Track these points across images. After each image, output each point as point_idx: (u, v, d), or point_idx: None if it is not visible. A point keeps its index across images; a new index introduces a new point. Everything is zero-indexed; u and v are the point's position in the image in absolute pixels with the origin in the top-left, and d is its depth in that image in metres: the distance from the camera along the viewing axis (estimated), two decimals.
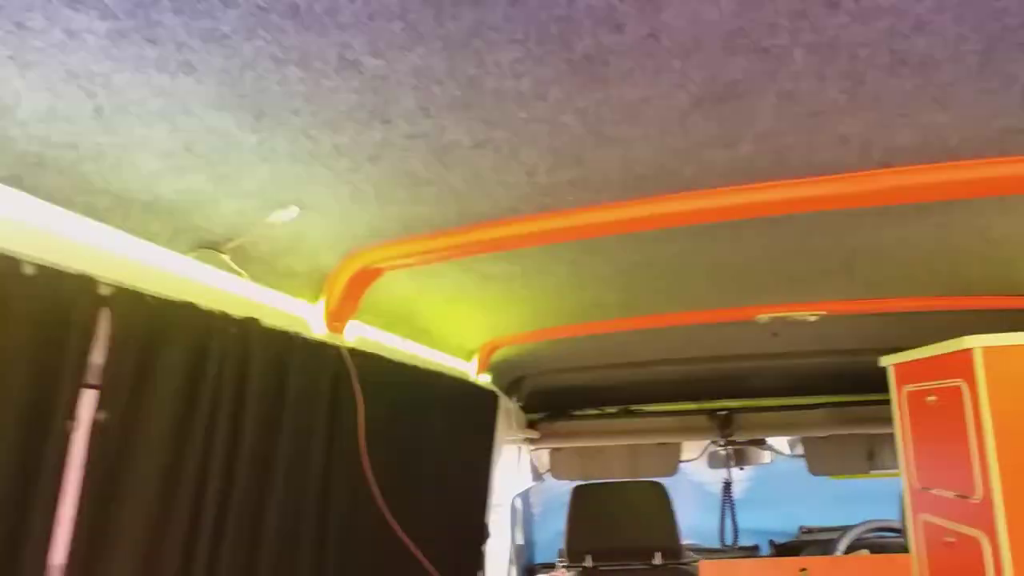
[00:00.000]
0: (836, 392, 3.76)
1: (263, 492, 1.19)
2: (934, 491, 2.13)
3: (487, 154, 1.08)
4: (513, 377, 3.34)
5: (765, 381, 3.67)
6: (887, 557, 2.37)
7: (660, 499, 2.84)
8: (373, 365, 1.65)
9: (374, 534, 1.57)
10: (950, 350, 1.89)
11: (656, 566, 2.77)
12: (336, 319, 1.40)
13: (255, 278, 1.28)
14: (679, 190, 1.24)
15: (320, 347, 1.41)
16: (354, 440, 1.41)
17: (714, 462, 4.19)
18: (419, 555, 1.71)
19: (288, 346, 1.30)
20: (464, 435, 2.35)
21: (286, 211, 1.19)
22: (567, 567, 2.93)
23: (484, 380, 2.74)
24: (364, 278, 1.45)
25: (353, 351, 1.51)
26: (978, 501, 1.82)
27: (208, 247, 1.21)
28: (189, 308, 1.06)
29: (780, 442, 4.46)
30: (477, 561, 2.58)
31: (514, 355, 2.91)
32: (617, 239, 1.50)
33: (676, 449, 4.32)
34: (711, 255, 1.72)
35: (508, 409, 3.21)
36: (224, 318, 1.13)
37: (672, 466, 4.31)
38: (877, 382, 2.36)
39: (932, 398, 2.08)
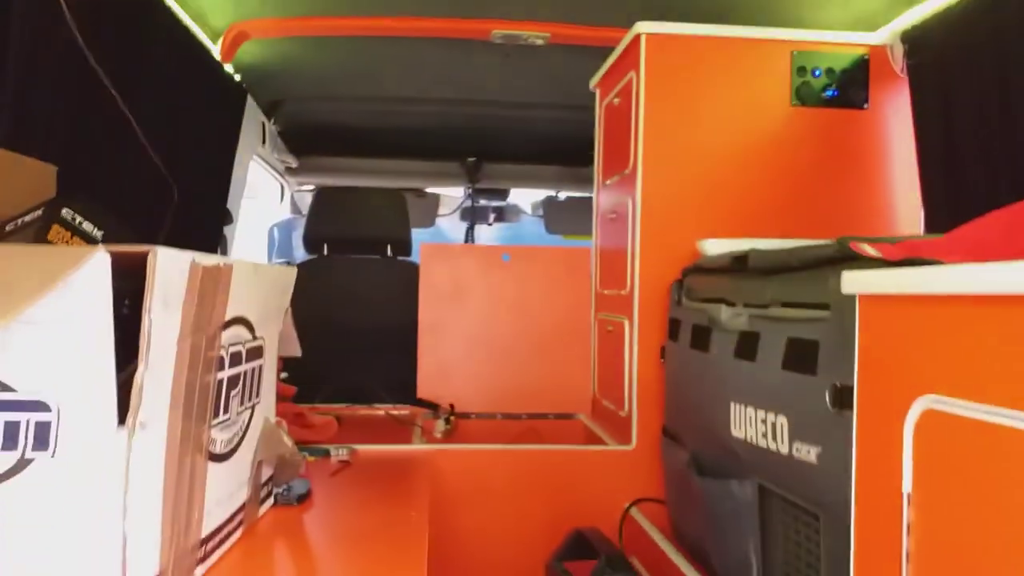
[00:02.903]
0: (572, 160, 4.27)
1: None
2: (608, 184, 2.58)
3: None
4: (272, 99, 3.39)
5: (512, 142, 4.07)
6: (581, 248, 2.81)
7: (397, 203, 3.13)
8: None
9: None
10: (627, 41, 2.23)
11: (386, 256, 3.11)
12: None
13: None
14: None
15: None
16: None
17: (466, 216, 4.61)
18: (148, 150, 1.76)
19: None
20: (195, 112, 2.37)
21: None
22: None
23: (230, 72, 2.77)
24: None
25: None
26: (628, 172, 2.25)
27: None
28: None
29: (525, 205, 4.99)
30: (215, 237, 2.73)
31: (270, 66, 2.94)
32: None
33: (435, 202, 4.69)
34: None
35: (262, 122, 3.28)
36: None
37: (431, 217, 4.70)
38: None
39: (617, 100, 2.45)
